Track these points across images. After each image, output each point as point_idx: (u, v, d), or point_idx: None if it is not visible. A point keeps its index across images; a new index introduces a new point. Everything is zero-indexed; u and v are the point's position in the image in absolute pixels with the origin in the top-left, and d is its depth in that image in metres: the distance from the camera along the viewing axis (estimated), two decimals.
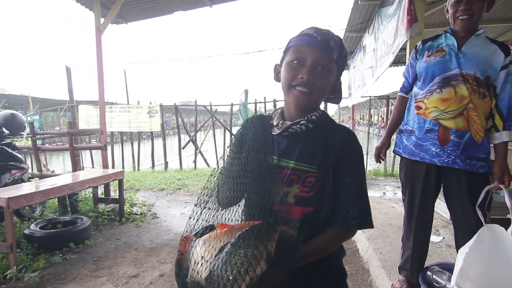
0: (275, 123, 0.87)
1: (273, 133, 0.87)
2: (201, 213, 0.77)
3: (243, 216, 0.76)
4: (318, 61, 0.79)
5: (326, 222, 0.79)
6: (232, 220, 0.76)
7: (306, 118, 0.83)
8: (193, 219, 0.77)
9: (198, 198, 0.79)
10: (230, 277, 0.56)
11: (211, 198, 0.78)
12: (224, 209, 0.78)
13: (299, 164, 0.81)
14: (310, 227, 0.78)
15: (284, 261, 0.60)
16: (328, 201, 0.79)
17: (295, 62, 0.81)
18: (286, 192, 0.79)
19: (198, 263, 0.64)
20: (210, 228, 0.74)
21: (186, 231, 0.76)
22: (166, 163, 7.19)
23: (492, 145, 1.62)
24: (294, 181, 0.80)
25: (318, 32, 0.81)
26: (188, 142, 7.43)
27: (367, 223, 0.79)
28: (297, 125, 0.83)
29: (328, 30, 0.82)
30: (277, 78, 0.89)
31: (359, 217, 0.77)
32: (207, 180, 0.79)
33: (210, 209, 0.77)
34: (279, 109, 0.92)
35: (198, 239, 0.69)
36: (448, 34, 1.66)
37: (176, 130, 7.55)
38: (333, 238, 0.79)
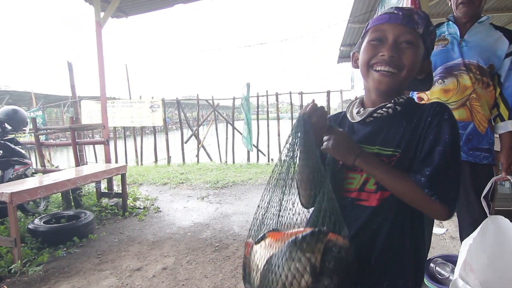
0: (355, 111, 0.82)
1: (352, 121, 0.82)
2: (262, 217, 0.74)
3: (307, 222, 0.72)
4: (401, 36, 0.72)
5: (401, 205, 0.72)
6: (292, 224, 0.72)
7: (393, 101, 0.75)
8: (254, 224, 0.75)
9: (258, 205, 0.75)
10: None
11: (270, 203, 0.74)
12: (282, 214, 0.73)
13: (383, 148, 0.74)
14: (386, 213, 0.73)
15: (334, 274, 0.58)
16: None
17: (374, 41, 0.74)
18: (367, 179, 0.75)
19: (254, 271, 0.66)
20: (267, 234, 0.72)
21: (249, 236, 0.75)
22: (169, 158, 7.21)
23: (497, 136, 1.59)
24: None
25: (399, 9, 0.74)
26: (191, 136, 7.44)
27: (439, 192, 0.67)
28: (383, 109, 0.76)
29: (412, 7, 0.76)
30: (355, 65, 0.83)
31: (429, 178, 0.67)
32: (267, 183, 0.75)
33: (271, 213, 0.74)
34: (358, 98, 0.86)
35: (255, 246, 0.70)
36: (450, 22, 1.62)
37: (179, 125, 7.54)
38: (408, 180, 0.69)
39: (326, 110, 0.76)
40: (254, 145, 6.94)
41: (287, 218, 0.72)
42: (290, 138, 0.73)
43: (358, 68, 0.81)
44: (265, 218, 0.73)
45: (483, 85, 1.53)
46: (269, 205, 0.74)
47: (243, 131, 6.82)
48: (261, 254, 0.65)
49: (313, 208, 0.71)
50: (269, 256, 0.63)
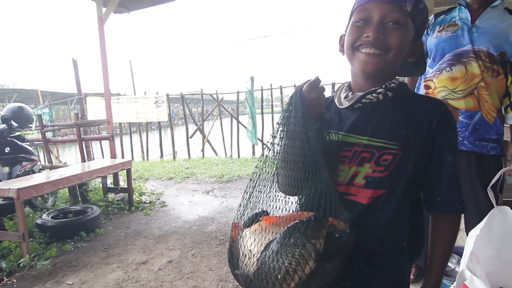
0: (343, 96, 0.77)
1: (340, 107, 0.77)
2: (249, 199, 0.72)
3: (297, 206, 0.69)
4: (387, 15, 0.67)
5: (399, 207, 0.70)
6: (283, 208, 0.69)
7: (384, 86, 0.71)
8: (242, 205, 0.73)
9: (247, 185, 0.73)
10: (279, 276, 0.56)
11: (258, 184, 0.72)
12: (272, 197, 0.71)
13: (374, 139, 0.70)
14: (378, 213, 0.70)
15: (335, 258, 0.57)
16: (404, 184, 0.69)
17: (360, 22, 0.70)
18: (355, 173, 0.71)
19: (246, 256, 0.63)
20: (257, 217, 0.69)
21: (236, 218, 0.73)
22: (174, 153, 7.24)
23: (507, 126, 1.54)
24: (366, 159, 0.70)
25: None
26: (196, 131, 7.44)
27: (465, 207, 0.71)
28: (373, 94, 0.71)
29: None
30: (342, 49, 0.78)
31: (463, 202, 0.71)
32: (255, 167, 0.73)
33: (260, 193, 0.71)
34: (345, 83, 0.81)
35: (245, 230, 0.67)
36: (462, 6, 1.56)
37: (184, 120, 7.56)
38: (453, 231, 0.73)
39: (324, 89, 0.70)
40: (259, 139, 6.93)
41: (278, 200, 0.69)
42: (284, 113, 0.69)
43: (344, 53, 0.76)
44: (254, 198, 0.71)
45: (493, 74, 1.48)
46: (259, 185, 0.71)
47: (248, 125, 6.80)
48: (255, 239, 0.62)
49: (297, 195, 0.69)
50: (268, 241, 0.60)
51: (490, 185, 1.44)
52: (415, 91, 1.77)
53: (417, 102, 0.73)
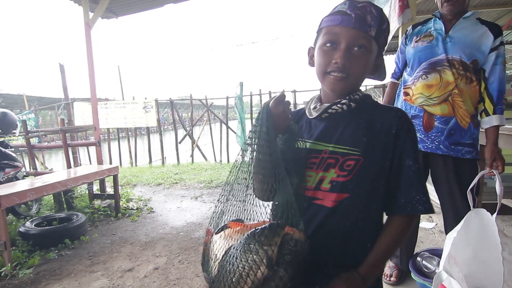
0: (312, 107, 0.83)
1: (310, 117, 0.82)
2: (222, 207, 0.76)
3: (271, 215, 0.72)
4: (354, 41, 0.72)
5: (363, 210, 0.73)
6: (255, 216, 0.72)
7: (347, 98, 0.76)
8: (216, 212, 0.76)
9: (220, 194, 0.77)
10: (233, 279, 0.59)
11: (231, 192, 0.75)
12: (245, 205, 0.74)
13: (338, 146, 0.75)
14: (343, 216, 0.73)
15: (289, 265, 0.59)
16: (367, 188, 0.73)
17: (327, 45, 0.74)
18: (322, 178, 0.75)
19: (212, 260, 0.68)
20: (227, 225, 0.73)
21: (210, 224, 0.77)
22: (163, 158, 7.19)
23: (483, 130, 1.60)
24: (331, 165, 0.74)
25: (353, 8, 0.72)
26: (185, 136, 7.42)
27: (431, 208, 0.73)
28: (338, 105, 0.77)
29: (365, 3, 0.73)
30: (311, 62, 0.82)
31: (427, 202, 0.72)
32: (228, 176, 0.76)
33: (233, 200, 0.75)
34: (316, 95, 0.87)
35: (214, 235, 0.71)
36: (436, 18, 1.64)
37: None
38: (401, 231, 0.74)
39: (291, 104, 0.75)
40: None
41: (250, 209, 0.72)
42: (253, 127, 0.73)
43: (313, 66, 0.81)
44: (227, 206, 0.74)
45: (467, 81, 1.54)
46: (231, 195, 0.75)
47: (237, 130, 6.82)
48: (220, 244, 0.67)
49: (271, 201, 0.72)
50: (228, 247, 0.64)
51: (469, 188, 1.49)
52: (396, 97, 1.82)
53: (379, 111, 0.78)
